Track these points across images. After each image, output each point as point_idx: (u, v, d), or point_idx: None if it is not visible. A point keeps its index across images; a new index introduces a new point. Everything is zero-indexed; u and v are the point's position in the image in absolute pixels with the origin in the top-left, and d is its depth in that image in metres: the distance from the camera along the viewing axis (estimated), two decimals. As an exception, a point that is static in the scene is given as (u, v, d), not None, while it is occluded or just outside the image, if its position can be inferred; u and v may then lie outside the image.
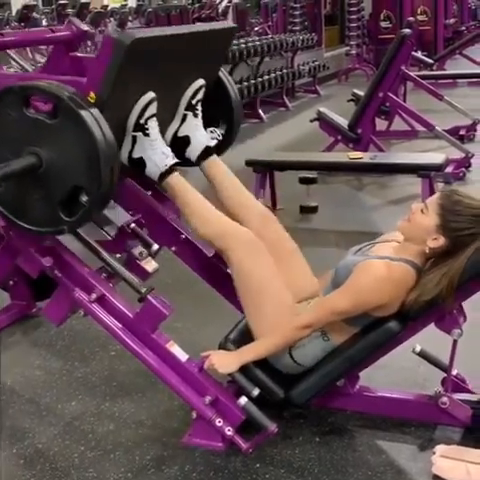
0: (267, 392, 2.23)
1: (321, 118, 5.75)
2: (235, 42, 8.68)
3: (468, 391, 2.33)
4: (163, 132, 2.33)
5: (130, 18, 11.38)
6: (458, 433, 2.22)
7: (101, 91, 2.03)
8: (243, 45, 8.35)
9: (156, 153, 2.24)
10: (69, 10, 10.21)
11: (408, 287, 2.13)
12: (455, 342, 2.17)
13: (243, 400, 2.15)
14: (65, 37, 2.62)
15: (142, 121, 2.21)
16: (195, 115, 2.40)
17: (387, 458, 2.16)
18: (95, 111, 1.98)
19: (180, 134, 2.40)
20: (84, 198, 2.02)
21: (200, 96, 2.41)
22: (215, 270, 2.63)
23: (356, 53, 11.98)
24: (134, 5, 11.72)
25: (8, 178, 1.98)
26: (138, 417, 2.44)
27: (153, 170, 2.26)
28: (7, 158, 2.01)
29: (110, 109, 2.05)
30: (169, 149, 2.29)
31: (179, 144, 2.39)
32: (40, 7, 11.14)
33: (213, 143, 2.42)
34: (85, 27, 2.69)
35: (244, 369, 2.20)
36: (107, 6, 11.65)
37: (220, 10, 11.89)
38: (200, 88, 2.39)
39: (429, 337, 2.28)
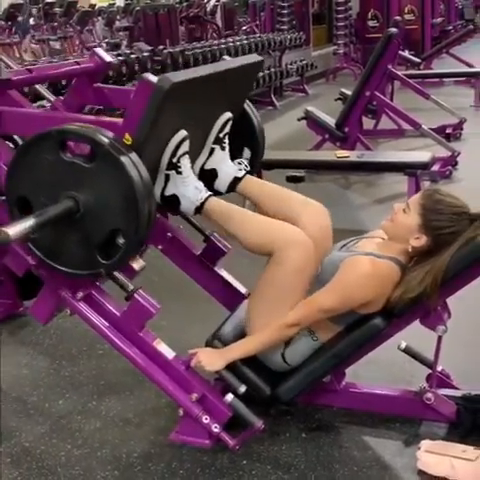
0: (254, 389, 2.24)
1: (309, 117, 5.77)
2: (222, 41, 8.71)
3: (453, 387, 2.36)
4: (191, 164, 2.31)
5: (118, 17, 11.35)
6: (443, 428, 2.24)
7: (138, 134, 2.02)
8: (231, 44, 8.35)
9: (189, 189, 2.23)
10: (56, 9, 10.17)
11: (393, 284, 2.15)
12: (440, 338, 2.19)
13: (230, 397, 2.16)
14: (90, 69, 2.64)
15: (175, 160, 2.20)
16: (222, 148, 2.39)
17: (373, 454, 2.18)
18: (133, 155, 1.98)
19: (207, 167, 2.38)
20: (121, 240, 2.03)
21: (227, 129, 2.39)
22: (202, 268, 2.64)
23: (344, 52, 12.01)
24: (122, 4, 11.67)
25: (46, 224, 1.96)
26: (125, 415, 2.45)
27: (188, 205, 2.25)
28: (44, 203, 2.01)
29: (145, 150, 2.04)
30: (201, 183, 2.27)
31: (206, 177, 2.37)
32: (27, 6, 11.06)
33: (241, 174, 2.39)
34: (109, 58, 2.72)
35: (231, 366, 2.20)
36: (95, 5, 11.60)
37: (208, 9, 11.88)
38: (227, 121, 2.38)
39: (415, 334, 2.30)
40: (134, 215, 1.97)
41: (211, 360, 2.19)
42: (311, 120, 5.78)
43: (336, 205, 4.98)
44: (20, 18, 10.12)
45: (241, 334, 2.31)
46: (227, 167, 2.39)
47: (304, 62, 10.39)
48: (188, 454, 2.20)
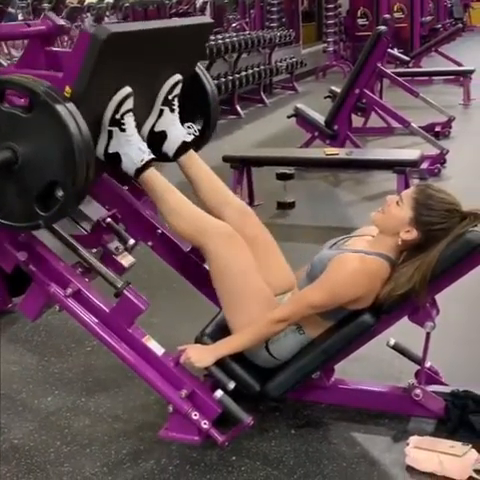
0: (243, 385, 2.24)
1: (298, 114, 5.78)
2: (212, 38, 8.68)
3: (441, 383, 2.37)
4: (140, 127, 2.32)
5: (107, 13, 11.31)
6: (431, 425, 2.25)
7: (77, 86, 2.02)
8: (220, 41, 8.34)
9: (132, 149, 2.24)
10: (45, 4, 10.12)
11: (382, 280, 2.15)
12: (428, 335, 2.20)
13: (219, 393, 2.16)
14: (41, 31, 2.60)
15: (118, 116, 2.20)
16: (172, 110, 2.40)
17: (361, 450, 2.19)
18: (71, 105, 1.97)
19: (157, 129, 2.40)
20: (60, 193, 2.02)
21: (177, 91, 2.40)
22: (191, 265, 2.64)
23: (333, 50, 12.03)
24: (111, 0, 11.63)
25: None
26: (114, 412, 2.44)
27: (129, 165, 2.25)
28: None
29: (86, 104, 2.04)
30: (145, 145, 2.28)
31: (156, 139, 2.38)
32: (16, 1, 11.01)
33: (190, 138, 2.42)
34: (61, 21, 2.67)
35: (220, 363, 2.21)
36: (84, 1, 11.54)
37: (198, 6, 11.86)
38: (177, 83, 2.39)
39: (404, 330, 2.31)
40: (72, 167, 1.96)
41: (200, 356, 2.19)
42: (301, 117, 5.79)
43: (325, 202, 5.01)
44: (10, 9, 10.06)
45: (230, 331, 2.31)
46: (177, 130, 2.40)
47: (294, 60, 10.40)
48: (177, 450, 2.20)
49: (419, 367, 2.31)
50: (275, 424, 2.32)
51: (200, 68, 2.57)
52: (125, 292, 2.22)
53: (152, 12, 9.26)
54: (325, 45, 12.11)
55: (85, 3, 11.11)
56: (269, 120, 8.32)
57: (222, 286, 2.26)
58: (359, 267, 2.12)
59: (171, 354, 2.25)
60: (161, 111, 2.39)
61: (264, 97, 9.36)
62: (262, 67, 9.24)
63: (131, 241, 2.50)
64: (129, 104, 2.21)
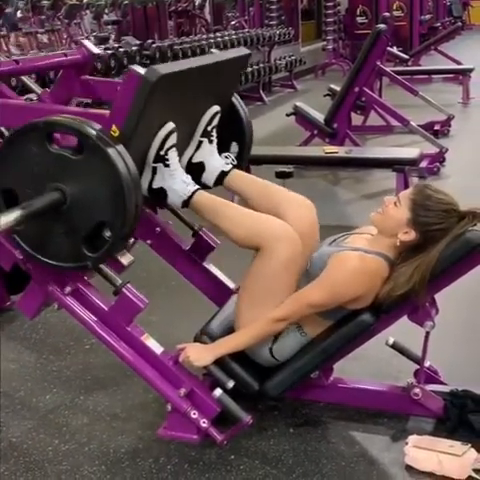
0: (242, 384, 2.24)
1: (297, 112, 5.77)
2: (211, 36, 8.68)
3: (440, 382, 2.37)
4: (179, 158, 2.30)
5: (106, 11, 11.29)
6: (430, 424, 2.25)
7: (126, 127, 2.01)
8: (219, 39, 8.33)
9: (176, 182, 2.22)
10: (44, 2, 10.10)
11: (382, 279, 2.15)
12: (427, 334, 2.20)
13: (218, 392, 2.16)
14: (77, 61, 2.62)
15: (162, 152, 2.19)
16: (210, 141, 2.38)
17: (360, 449, 2.18)
18: (120, 147, 1.97)
19: (195, 160, 2.38)
20: (108, 233, 2.01)
21: (215, 122, 2.39)
22: (191, 263, 2.64)
23: (332, 48, 12.00)
24: (110, -3, 11.61)
25: (33, 216, 1.94)
26: (113, 410, 2.44)
27: (175, 199, 2.24)
28: (30, 195, 1.99)
29: (132, 142, 2.03)
30: (189, 177, 2.26)
31: (194, 170, 2.36)
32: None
33: (228, 168, 2.39)
34: (96, 50, 2.70)
35: (219, 361, 2.20)
36: (83, -2, 11.52)
37: (197, 3, 11.85)
38: (216, 115, 2.38)
39: (402, 329, 2.31)
40: (121, 208, 1.96)
41: (199, 355, 2.18)
42: (300, 116, 5.78)
43: (324, 201, 4.99)
44: (8, 10, 10.05)
45: (229, 329, 2.30)
46: (215, 160, 2.39)
47: (293, 58, 10.38)
48: (176, 449, 2.19)
49: (418, 366, 2.30)
50: (274, 423, 2.31)
51: (235, 97, 2.56)
52: (124, 290, 2.22)
53: (151, 10, 9.25)
54: (324, 43, 12.09)
55: (84, 1, 11.08)
56: (268, 118, 8.31)
57: (254, 281, 2.21)
58: (359, 266, 2.12)
59: (170, 352, 2.24)
60: (200, 143, 2.37)
61: (263, 95, 9.34)
62: (261, 65, 9.22)
63: (130, 239, 2.49)
64: (173, 140, 2.20)
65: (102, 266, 2.30)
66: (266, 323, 2.17)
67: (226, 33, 9.27)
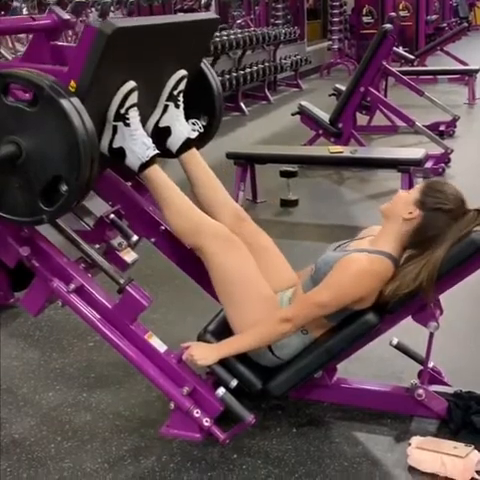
0: (245, 383, 2.24)
1: (303, 112, 5.77)
2: (217, 34, 8.66)
3: (444, 383, 2.36)
4: (144, 122, 2.32)
5: (112, 8, 11.28)
6: (434, 425, 2.24)
7: (82, 80, 2.01)
8: (225, 38, 8.32)
9: (137, 143, 2.23)
10: (50, -1, 10.10)
11: (386, 279, 2.14)
12: (431, 335, 2.19)
13: (221, 391, 2.15)
14: (46, 25, 2.60)
15: (123, 111, 2.19)
16: (177, 106, 2.39)
17: (363, 449, 2.18)
18: (75, 100, 1.97)
19: (161, 125, 2.39)
20: (64, 188, 2.01)
21: (182, 87, 2.39)
22: (194, 262, 2.62)
23: (338, 48, 11.98)
24: (116, -5, 11.60)
25: None
26: (115, 408, 2.44)
27: (133, 160, 2.25)
28: None
29: (90, 98, 2.03)
30: (150, 140, 2.27)
31: (160, 135, 2.37)
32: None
33: (194, 135, 2.41)
34: (66, 16, 2.67)
35: (223, 360, 2.20)
36: (89, -4, 11.52)
37: (203, 2, 11.83)
38: (182, 79, 2.38)
39: (406, 330, 2.30)
40: (76, 161, 1.96)
41: (203, 355, 2.18)
42: (305, 115, 5.77)
43: (329, 200, 5.00)
44: (15, 3, 10.05)
45: (231, 330, 2.30)
46: (181, 126, 2.39)
47: (298, 57, 10.37)
48: (178, 448, 2.19)
49: (422, 367, 2.30)
50: (277, 422, 2.31)
51: (205, 64, 2.56)
52: (128, 288, 2.21)
53: (157, 8, 9.25)
54: (330, 43, 12.06)
55: (90, -2, 11.08)
56: (273, 117, 8.30)
57: (220, 286, 2.26)
58: (365, 267, 2.11)
59: (173, 351, 2.24)
60: (166, 106, 2.38)
61: (268, 94, 9.33)
62: (266, 64, 9.20)
63: (134, 237, 2.49)
64: (133, 98, 2.20)
65: (105, 263, 2.31)
66: (272, 324, 2.16)
67: (232, 32, 9.26)
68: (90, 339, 2.87)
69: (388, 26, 5.93)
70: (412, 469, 2.06)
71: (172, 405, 2.20)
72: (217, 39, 8.12)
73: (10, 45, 8.72)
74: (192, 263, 2.62)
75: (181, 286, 2.91)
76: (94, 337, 2.78)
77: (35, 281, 2.29)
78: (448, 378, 2.39)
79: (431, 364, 2.33)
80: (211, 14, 2.48)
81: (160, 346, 2.24)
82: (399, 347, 2.39)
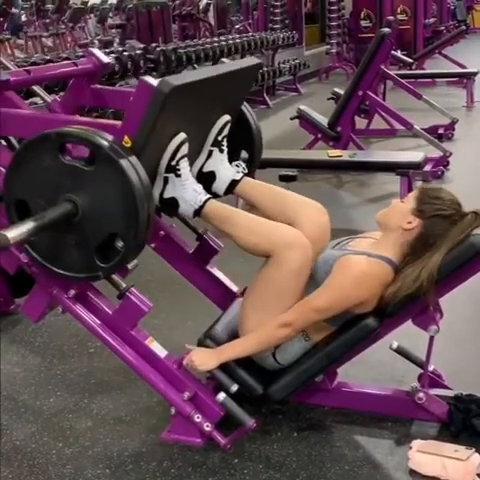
0: (246, 388, 2.24)
1: (301, 116, 5.78)
2: (215, 40, 8.69)
3: (444, 387, 2.36)
4: (190, 168, 2.30)
5: (110, 14, 11.31)
6: (434, 428, 2.24)
7: (138, 138, 2.01)
8: (224, 43, 8.34)
9: (188, 192, 2.22)
10: (48, 6, 10.12)
11: (385, 283, 2.15)
12: (432, 338, 2.20)
13: (222, 396, 2.15)
14: (87, 70, 2.63)
15: (174, 163, 2.19)
16: (221, 151, 2.38)
17: (364, 453, 2.18)
18: (133, 158, 1.97)
19: (205, 169, 2.38)
20: (120, 244, 2.01)
21: (226, 132, 2.39)
22: (194, 267, 2.64)
23: (336, 52, 12.03)
24: (114, 1, 11.61)
25: (45, 227, 1.93)
26: (116, 414, 2.44)
27: (187, 208, 2.24)
28: (43, 206, 1.99)
29: (144, 154, 2.03)
30: (200, 186, 2.26)
31: (205, 179, 2.36)
32: (19, 2, 11.00)
33: (239, 176, 2.39)
34: (106, 59, 2.71)
35: (223, 365, 2.20)
36: (87, 2, 11.54)
37: (201, 7, 11.86)
38: (226, 124, 2.38)
39: (407, 333, 2.30)
40: (133, 219, 1.96)
41: (204, 360, 2.18)
42: (304, 119, 5.79)
43: (328, 204, 4.93)
44: (14, 10, 10.07)
45: (233, 333, 2.30)
46: (225, 169, 2.39)
47: (297, 61, 10.39)
48: (180, 453, 2.19)
49: (422, 370, 2.30)
50: (278, 427, 2.31)
51: (245, 105, 2.56)
52: (128, 294, 2.22)
53: (155, 14, 9.25)
54: (328, 47, 12.11)
55: (88, 4, 11.11)
56: (272, 121, 8.31)
57: (262, 287, 2.21)
58: (363, 270, 2.11)
59: (174, 356, 2.24)
60: (210, 152, 2.37)
61: (267, 98, 9.35)
62: (265, 68, 9.23)
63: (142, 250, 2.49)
64: (184, 150, 2.20)
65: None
66: (271, 329, 2.16)
67: (230, 37, 9.28)
68: (91, 345, 2.87)
69: (386, 30, 5.96)
70: (413, 472, 2.06)
71: (173, 410, 2.21)
72: (215, 44, 8.14)
73: (9, 52, 8.74)
74: (192, 268, 2.63)
75: (181, 291, 2.91)
76: (95, 343, 2.78)
77: (36, 287, 2.30)
78: (448, 381, 2.39)
79: (431, 367, 2.34)
80: (255, 59, 2.49)
81: (161, 351, 2.24)
82: (399, 351, 2.39)
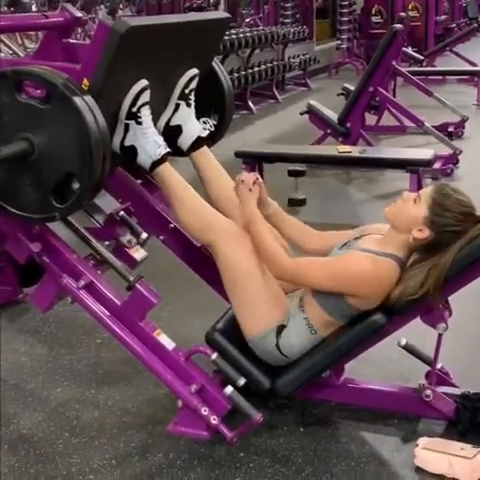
0: (253, 382, 2.24)
1: (311, 111, 5.76)
2: (226, 33, 8.65)
3: (452, 385, 2.36)
4: (156, 121, 2.32)
5: (121, 6, 11.30)
6: (441, 426, 2.24)
7: (95, 79, 2.02)
8: (234, 36, 8.32)
9: (148, 142, 2.23)
10: (59, -4, 10.13)
11: (392, 282, 2.13)
12: (440, 336, 2.19)
13: (229, 389, 2.15)
14: (58, 23, 2.61)
15: (135, 109, 2.20)
16: (188, 104, 2.39)
17: (370, 449, 2.18)
18: (88, 98, 1.97)
19: (172, 123, 2.40)
20: (76, 185, 2.02)
21: (193, 85, 2.40)
22: (203, 259, 2.63)
23: (347, 47, 11.96)
24: (125, -7, 11.63)
25: (0, 164, 1.95)
26: (123, 405, 2.45)
27: (145, 158, 2.25)
28: None
29: (103, 97, 2.04)
30: (161, 138, 2.28)
31: (171, 133, 2.38)
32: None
33: (205, 133, 2.42)
34: (79, 13, 2.68)
35: (231, 359, 2.21)
36: (98, -7, 11.54)
37: (211, 0, 11.83)
38: (193, 77, 2.39)
39: (415, 330, 2.30)
40: (88, 159, 1.97)
41: (246, 195, 2.24)
42: (313, 114, 5.77)
43: (336, 200, 5.00)
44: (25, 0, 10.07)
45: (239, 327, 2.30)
46: (192, 124, 2.40)
47: (307, 56, 10.37)
48: (186, 445, 2.20)
49: (430, 368, 2.30)
50: (284, 421, 2.31)
51: (216, 63, 2.57)
52: (137, 286, 2.22)
53: (166, 6, 9.25)
54: (339, 42, 12.05)
55: (99, -5, 11.10)
56: (281, 116, 8.30)
57: (230, 285, 2.26)
58: (370, 269, 2.10)
59: (182, 349, 2.24)
60: (177, 105, 2.39)
61: (276, 93, 9.33)
62: (275, 63, 9.21)
63: (144, 235, 2.50)
64: (145, 97, 2.20)
65: (114, 260, 2.32)
66: (278, 254, 2.18)
67: (240, 30, 9.25)
68: (98, 336, 2.88)
69: (398, 26, 5.92)
70: (419, 470, 2.06)
71: (180, 403, 2.21)
72: (226, 38, 8.11)
73: (19, 42, 8.73)
74: (201, 261, 2.63)
75: (189, 284, 2.91)
76: (102, 334, 2.79)
77: (45, 277, 2.30)
78: (456, 379, 2.39)
79: (439, 365, 2.33)
80: (222, 13, 2.48)
81: (169, 344, 2.24)
82: (407, 348, 2.38)
